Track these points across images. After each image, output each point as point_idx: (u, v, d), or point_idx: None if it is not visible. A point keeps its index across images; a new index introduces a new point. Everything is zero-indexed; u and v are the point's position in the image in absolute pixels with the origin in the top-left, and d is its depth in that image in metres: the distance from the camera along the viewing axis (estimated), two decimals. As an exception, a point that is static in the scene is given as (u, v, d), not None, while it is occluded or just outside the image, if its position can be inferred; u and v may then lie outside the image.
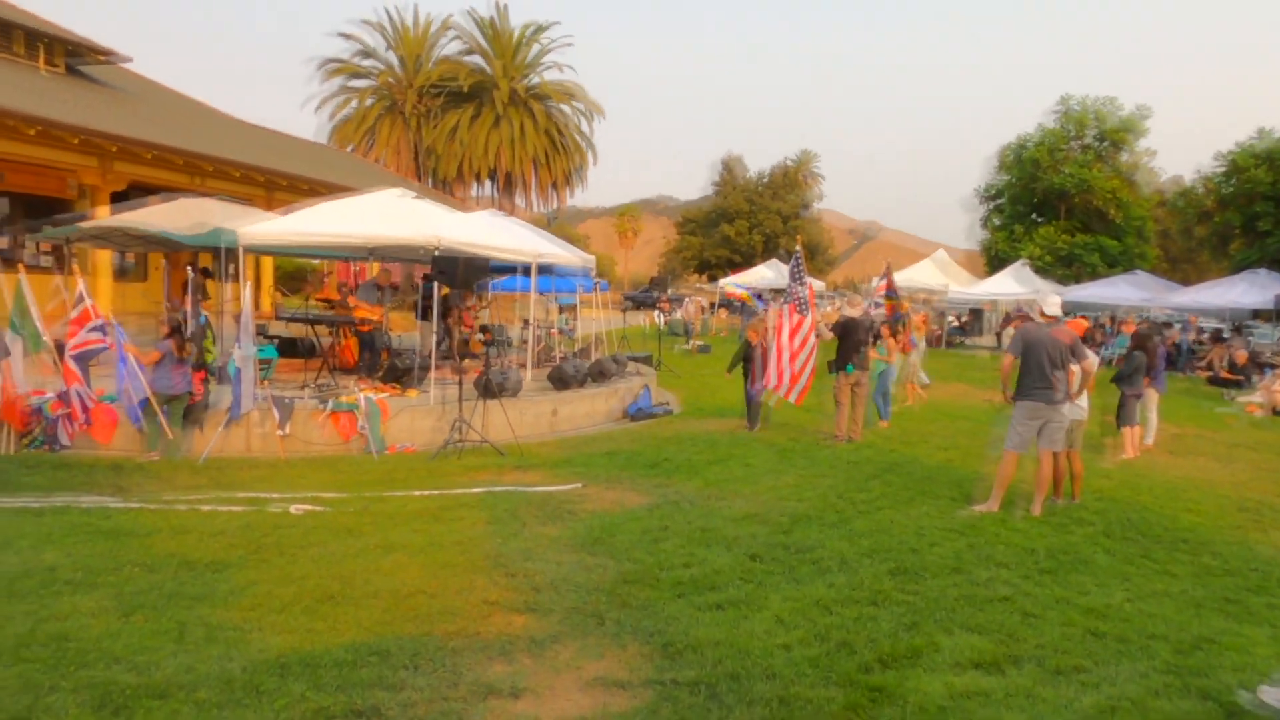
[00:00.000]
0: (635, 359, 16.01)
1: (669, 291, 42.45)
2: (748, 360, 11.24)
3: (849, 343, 10.12)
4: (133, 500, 6.82)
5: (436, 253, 9.91)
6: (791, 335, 10.22)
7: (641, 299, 41.43)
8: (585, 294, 17.72)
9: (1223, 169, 28.04)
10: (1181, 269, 41.15)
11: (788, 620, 4.46)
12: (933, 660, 4.04)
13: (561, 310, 19.90)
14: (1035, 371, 6.90)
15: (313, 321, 12.19)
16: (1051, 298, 7.34)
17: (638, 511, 6.83)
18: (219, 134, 19.98)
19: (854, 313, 10.44)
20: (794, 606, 4.67)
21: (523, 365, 12.81)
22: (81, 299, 8.88)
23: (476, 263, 10.88)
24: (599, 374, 12.77)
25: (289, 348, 12.99)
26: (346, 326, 13.46)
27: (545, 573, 5.20)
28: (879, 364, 11.46)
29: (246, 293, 9.29)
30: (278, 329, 14.25)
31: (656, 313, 27.12)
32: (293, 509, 6.61)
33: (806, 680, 3.78)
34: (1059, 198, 31.88)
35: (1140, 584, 5.33)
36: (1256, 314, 23.78)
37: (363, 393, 9.78)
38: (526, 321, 13.78)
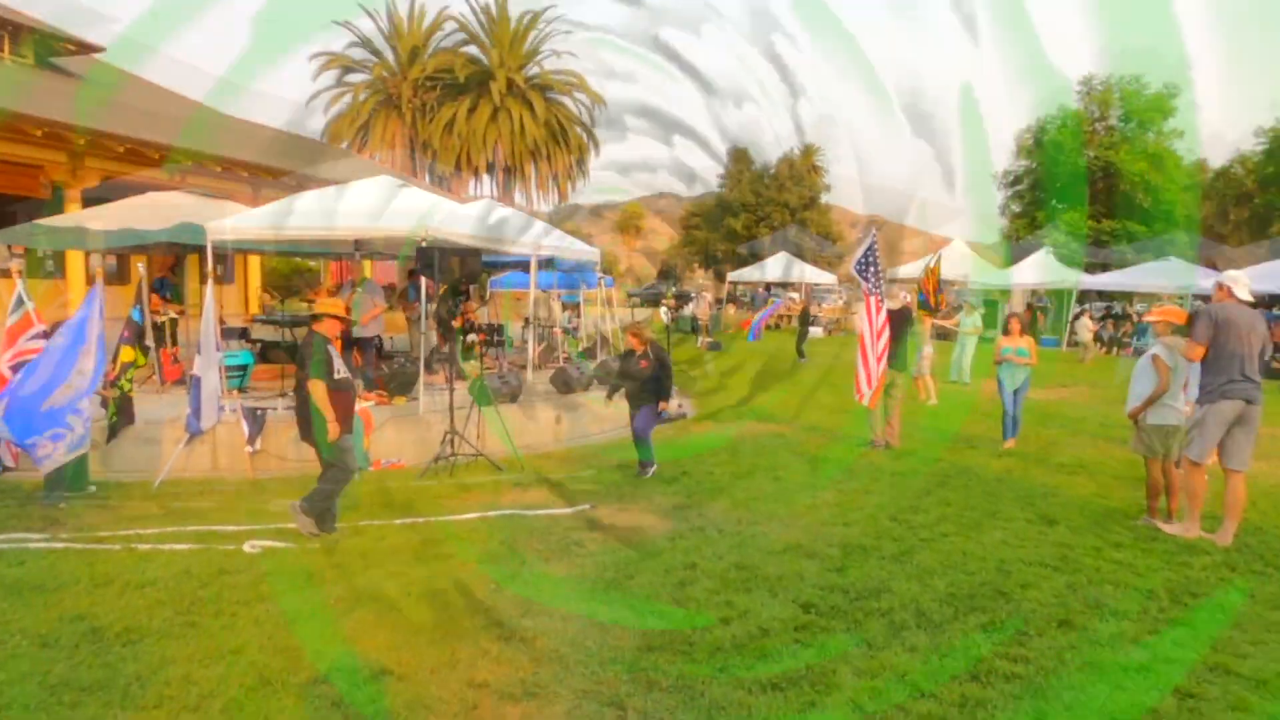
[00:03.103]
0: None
1: (677, 285, 41.19)
2: (629, 377, 7.99)
3: (894, 337, 9.00)
4: (60, 538, 5.70)
5: (422, 244, 8.78)
6: (878, 335, 8.88)
7: (648, 294, 40.21)
8: (589, 290, 16.63)
9: (1264, 146, 26.74)
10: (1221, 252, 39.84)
11: (872, 710, 3.36)
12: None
13: (565, 308, 18.80)
14: (1233, 363, 5.60)
15: (290, 325, 11.14)
16: (1233, 273, 6.04)
17: (658, 542, 5.73)
18: (202, 128, 18.91)
19: (894, 305, 9.31)
20: (874, 686, 3.56)
21: (524, 367, 11.72)
22: (21, 303, 7.73)
23: (468, 255, 9.80)
24: (606, 375, 11.67)
25: (270, 353, 11.97)
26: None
27: (548, 635, 4.11)
28: (1021, 369, 9.17)
29: (209, 296, 8.24)
30: (264, 333, 13.24)
31: (662, 309, 25.95)
32: (247, 546, 5.51)
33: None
34: (1085, 182, 30.62)
35: (1299, 637, 4.22)
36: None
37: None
38: (527, 320, 12.67)
